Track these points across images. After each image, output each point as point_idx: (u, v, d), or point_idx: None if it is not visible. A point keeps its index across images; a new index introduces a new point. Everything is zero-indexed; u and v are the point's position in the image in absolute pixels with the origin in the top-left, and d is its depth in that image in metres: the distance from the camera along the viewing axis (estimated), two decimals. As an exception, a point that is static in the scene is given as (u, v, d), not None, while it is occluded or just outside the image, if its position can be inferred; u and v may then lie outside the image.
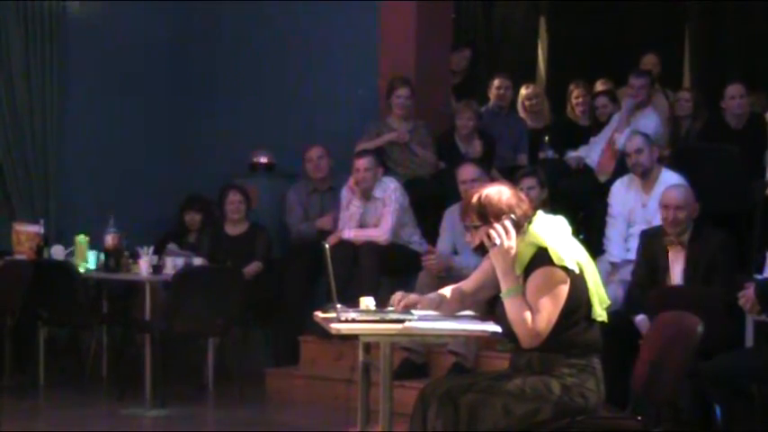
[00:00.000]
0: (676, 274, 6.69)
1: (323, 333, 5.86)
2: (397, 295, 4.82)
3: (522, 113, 9.96)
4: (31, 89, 9.10)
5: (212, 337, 8.22)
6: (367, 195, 8.25)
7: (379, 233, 8.12)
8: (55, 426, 7.25)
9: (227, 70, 9.91)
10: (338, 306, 4.66)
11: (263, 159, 9.39)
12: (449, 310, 4.79)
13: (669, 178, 7.34)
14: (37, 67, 9.12)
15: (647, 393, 4.71)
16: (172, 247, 8.46)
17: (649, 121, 8.72)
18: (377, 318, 4.65)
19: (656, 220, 6.95)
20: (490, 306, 4.85)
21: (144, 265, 7.86)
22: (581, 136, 9.27)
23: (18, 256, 8.24)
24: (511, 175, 7.88)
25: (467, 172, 7.63)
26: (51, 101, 9.20)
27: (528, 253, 4.50)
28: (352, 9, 9.32)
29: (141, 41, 9.80)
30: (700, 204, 6.72)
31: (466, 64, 10.32)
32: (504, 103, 9.76)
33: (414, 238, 8.25)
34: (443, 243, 7.79)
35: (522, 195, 4.67)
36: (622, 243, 7.53)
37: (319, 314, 4.85)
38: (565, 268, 4.43)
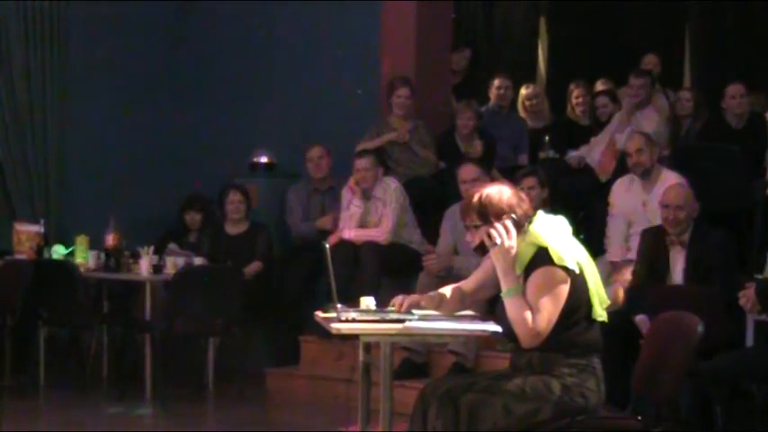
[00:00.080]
0: (677, 274, 6.69)
1: (323, 333, 5.86)
2: (398, 298, 4.82)
3: (522, 113, 9.96)
4: (32, 89, 9.09)
5: (213, 336, 8.22)
6: (367, 195, 8.24)
7: (380, 233, 8.12)
8: (55, 426, 7.25)
9: (227, 70, 9.90)
10: (338, 306, 4.66)
11: (263, 159, 9.39)
12: (449, 309, 4.79)
13: (669, 178, 7.34)
14: (37, 67, 9.11)
15: (647, 393, 4.71)
16: (172, 246, 8.47)
17: (650, 121, 8.73)
18: (377, 317, 4.66)
19: (657, 220, 6.95)
20: (490, 306, 4.86)
21: (144, 265, 7.88)
22: (581, 136, 9.27)
23: (18, 256, 8.25)
24: (511, 175, 7.87)
25: (467, 172, 7.63)
26: (52, 101, 9.18)
27: (528, 253, 4.50)
28: (352, 9, 9.32)
29: (141, 41, 9.80)
30: (700, 204, 6.72)
31: (466, 64, 10.31)
32: (504, 103, 9.77)
33: (414, 238, 8.25)
34: (444, 243, 7.79)
35: (523, 195, 4.67)
36: (623, 243, 7.53)
37: (320, 314, 4.85)
38: (565, 268, 4.43)
